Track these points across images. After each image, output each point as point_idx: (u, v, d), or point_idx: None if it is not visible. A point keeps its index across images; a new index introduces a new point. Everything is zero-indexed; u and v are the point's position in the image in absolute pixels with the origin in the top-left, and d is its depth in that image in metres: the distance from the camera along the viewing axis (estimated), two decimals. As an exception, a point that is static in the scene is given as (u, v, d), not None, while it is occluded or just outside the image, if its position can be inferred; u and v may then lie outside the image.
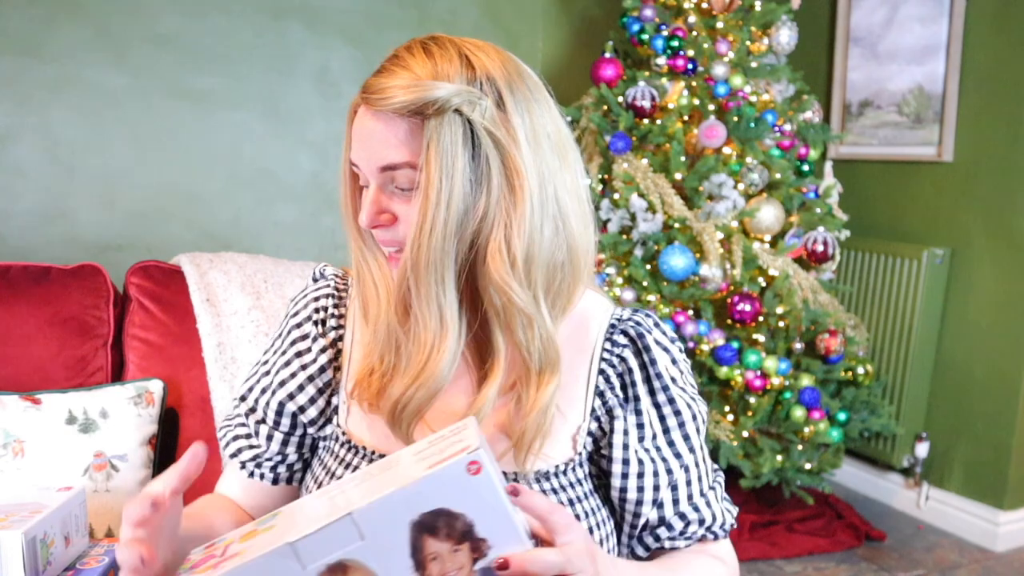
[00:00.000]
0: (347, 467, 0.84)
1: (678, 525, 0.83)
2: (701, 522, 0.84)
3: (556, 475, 0.81)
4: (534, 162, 0.74)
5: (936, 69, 2.64)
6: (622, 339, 0.84)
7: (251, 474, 0.90)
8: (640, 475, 0.81)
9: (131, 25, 2.25)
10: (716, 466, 0.90)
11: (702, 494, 0.84)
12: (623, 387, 0.83)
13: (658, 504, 0.82)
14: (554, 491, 0.80)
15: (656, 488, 0.82)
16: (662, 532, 0.83)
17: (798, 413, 2.39)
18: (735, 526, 0.87)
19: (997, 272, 2.53)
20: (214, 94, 2.38)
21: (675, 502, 0.83)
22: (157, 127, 2.31)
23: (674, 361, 0.84)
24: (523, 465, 0.78)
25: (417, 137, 0.72)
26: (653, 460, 0.82)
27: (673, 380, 0.83)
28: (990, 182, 2.53)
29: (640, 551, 0.86)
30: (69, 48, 2.18)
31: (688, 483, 0.83)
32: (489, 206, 0.73)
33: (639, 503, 0.82)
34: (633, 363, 0.83)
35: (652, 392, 0.83)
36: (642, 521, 0.83)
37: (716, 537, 0.85)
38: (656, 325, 0.86)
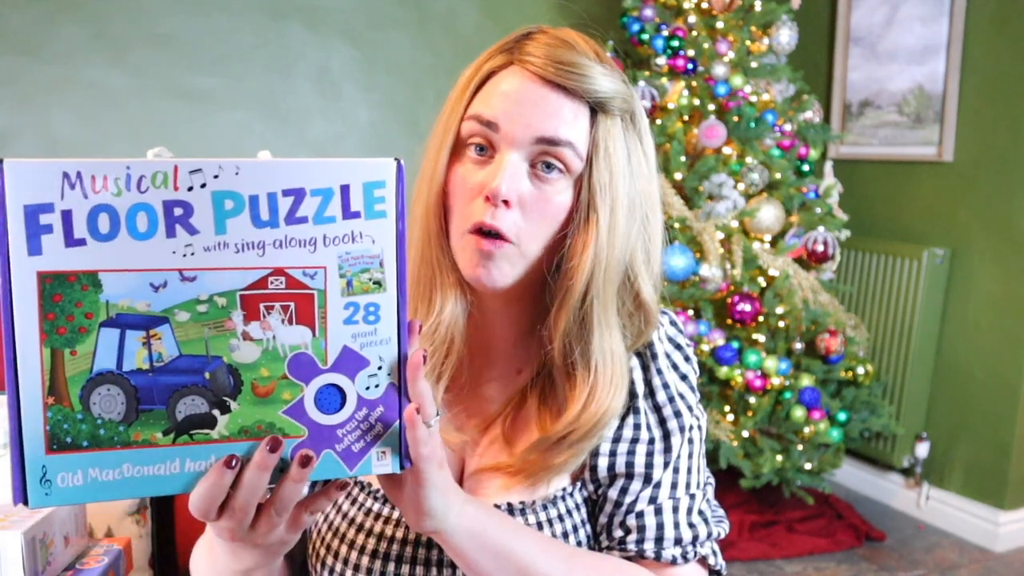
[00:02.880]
0: (358, 506, 0.77)
1: (633, 525, 0.74)
2: (659, 534, 0.74)
3: (563, 498, 0.75)
4: (657, 181, 0.76)
5: (936, 69, 2.64)
6: None
7: None
8: (625, 476, 0.75)
9: (131, 25, 2.26)
10: (709, 476, 0.82)
11: (675, 509, 0.75)
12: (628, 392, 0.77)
13: (631, 505, 0.75)
14: (560, 518, 0.74)
15: (629, 490, 0.75)
16: (617, 533, 0.75)
17: (798, 413, 2.39)
18: (706, 557, 0.76)
19: (997, 272, 2.53)
20: (214, 94, 2.38)
21: (643, 511, 0.75)
22: (157, 127, 2.31)
23: (674, 366, 0.79)
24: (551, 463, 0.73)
25: (583, 125, 0.70)
26: (634, 463, 0.76)
27: (674, 391, 0.78)
28: (990, 182, 2.53)
29: None
30: (69, 48, 2.18)
31: (660, 488, 0.76)
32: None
33: (616, 505, 0.75)
34: (637, 373, 0.78)
35: (651, 395, 0.77)
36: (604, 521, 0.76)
37: (675, 561, 0.73)
38: (672, 323, 0.82)
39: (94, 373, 0.50)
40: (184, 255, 0.50)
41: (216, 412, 0.52)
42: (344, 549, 0.75)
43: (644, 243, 0.74)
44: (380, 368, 0.54)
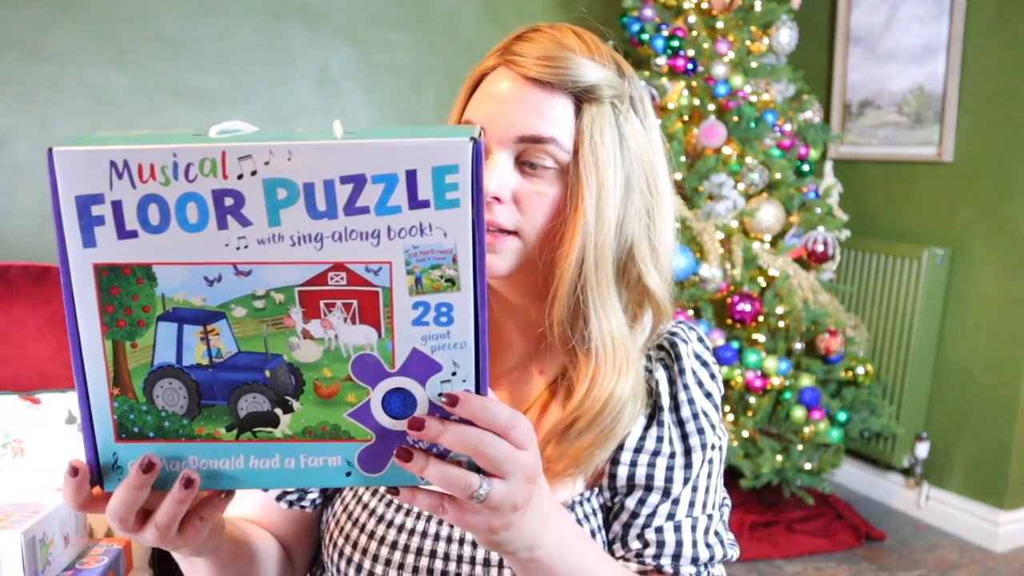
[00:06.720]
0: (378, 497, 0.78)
1: (652, 539, 0.75)
2: (677, 551, 0.75)
3: (581, 503, 0.76)
4: (665, 169, 0.75)
5: (936, 69, 2.64)
6: (656, 352, 0.79)
7: (278, 498, 0.82)
8: (644, 488, 0.76)
9: (131, 25, 2.25)
10: (726, 497, 0.82)
11: (693, 527, 0.76)
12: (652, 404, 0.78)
13: (649, 519, 0.75)
14: (577, 522, 0.74)
15: (646, 501, 0.76)
16: (634, 544, 0.75)
17: (798, 413, 2.39)
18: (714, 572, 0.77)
19: (997, 272, 2.53)
20: (214, 94, 2.38)
21: (661, 527, 0.75)
22: (157, 127, 2.31)
23: (700, 383, 0.78)
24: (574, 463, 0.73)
25: (567, 118, 0.70)
26: (654, 476, 0.76)
27: (698, 408, 0.77)
28: (990, 182, 2.53)
29: None
30: (69, 48, 2.18)
31: (679, 505, 0.76)
32: (634, 207, 0.73)
33: (633, 515, 0.76)
34: (663, 385, 0.77)
35: (676, 409, 0.77)
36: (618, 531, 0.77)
37: None
38: (699, 340, 0.81)
39: (155, 366, 0.49)
40: (237, 248, 0.47)
41: (278, 411, 0.50)
42: (364, 539, 0.75)
43: (647, 230, 0.73)
44: (455, 374, 0.49)
